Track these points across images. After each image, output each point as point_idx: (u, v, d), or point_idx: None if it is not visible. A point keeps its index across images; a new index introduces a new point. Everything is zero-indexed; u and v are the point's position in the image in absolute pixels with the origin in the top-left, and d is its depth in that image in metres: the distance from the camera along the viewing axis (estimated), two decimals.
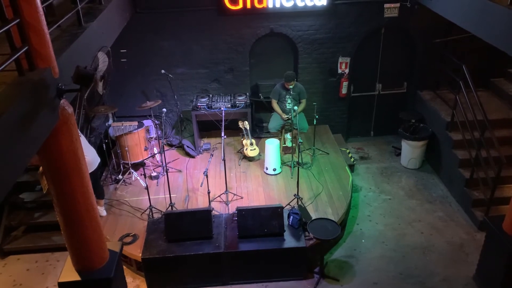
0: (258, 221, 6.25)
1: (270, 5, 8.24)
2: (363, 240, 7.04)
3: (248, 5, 8.20)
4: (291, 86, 7.84)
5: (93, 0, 6.10)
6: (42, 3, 3.71)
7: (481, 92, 8.24)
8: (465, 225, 7.28)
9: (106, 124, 8.45)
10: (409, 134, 8.49)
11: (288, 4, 8.28)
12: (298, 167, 7.24)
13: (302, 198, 7.07)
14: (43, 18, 3.61)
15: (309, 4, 8.30)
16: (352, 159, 8.73)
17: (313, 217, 6.69)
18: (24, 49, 3.45)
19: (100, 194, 6.97)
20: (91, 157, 6.50)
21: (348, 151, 8.93)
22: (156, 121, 8.20)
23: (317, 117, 8.17)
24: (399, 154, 9.05)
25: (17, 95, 3.17)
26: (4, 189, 2.90)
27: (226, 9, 8.23)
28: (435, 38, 8.66)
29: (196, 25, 8.47)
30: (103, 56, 4.51)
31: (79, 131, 4.91)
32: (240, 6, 8.20)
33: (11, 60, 3.23)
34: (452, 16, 6.71)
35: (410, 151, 8.65)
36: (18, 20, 3.38)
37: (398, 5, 8.43)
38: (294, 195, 6.99)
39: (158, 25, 8.42)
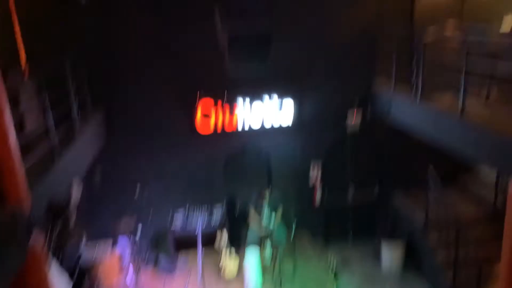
0: None
1: (240, 129, 8.76)
2: None
3: (219, 131, 8.67)
4: (267, 197, 7.92)
5: (67, 132, 6.23)
6: (17, 140, 3.79)
7: (450, 189, 8.49)
8: None
9: (80, 250, 8.14)
10: (387, 237, 8.48)
11: (257, 127, 8.81)
12: (281, 282, 7.02)
13: None
14: (17, 155, 3.68)
15: (276, 125, 8.86)
16: (334, 267, 8.53)
17: None
18: None
19: None
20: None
21: (329, 258, 8.76)
22: (131, 238, 7.97)
23: (295, 226, 8.15)
24: (380, 258, 8.94)
25: None
26: None
27: (198, 135, 8.63)
28: (401, 140, 9.04)
29: (171, 144, 8.73)
30: (77, 185, 4.53)
31: (51, 259, 4.72)
32: (211, 131, 8.64)
33: None
34: (410, 128, 7.17)
35: (390, 253, 8.57)
36: None
37: (359, 120, 8.96)
38: None
39: (132, 145, 8.61)
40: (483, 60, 5.93)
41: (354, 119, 8.90)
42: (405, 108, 7.68)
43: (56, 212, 3.82)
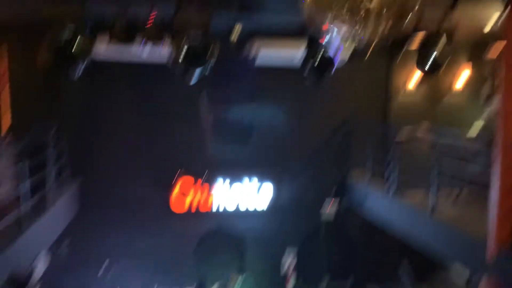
0: None
1: (214, 209, 8.78)
2: None
3: (193, 210, 8.66)
4: (237, 282, 7.67)
5: (39, 201, 6.03)
6: None
7: (423, 287, 8.39)
8: None
9: None
10: None
11: (231, 208, 8.83)
12: None
13: None
14: None
15: (251, 209, 8.91)
16: None
17: None
18: None
19: None
20: None
21: None
22: None
23: None
24: None
25: None
26: None
27: (172, 213, 8.59)
28: (374, 234, 9.07)
29: (143, 220, 8.55)
30: (43, 259, 4.35)
31: None
32: (185, 209, 8.62)
33: None
34: (383, 222, 7.27)
35: None
36: None
37: (334, 210, 9.03)
38: None
39: (104, 219, 8.36)
40: (453, 162, 6.22)
41: (329, 208, 8.98)
42: (378, 202, 7.84)
43: (17, 285, 3.63)
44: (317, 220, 9.15)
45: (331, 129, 9.26)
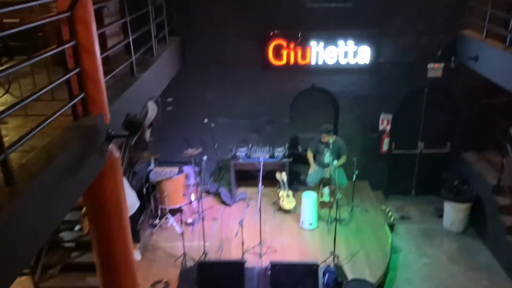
0: (292, 278, 6.09)
1: (313, 62, 8.46)
2: None
3: (292, 61, 8.45)
4: (331, 141, 7.83)
5: (146, 52, 6.46)
6: (100, 54, 3.98)
7: None
8: None
9: (148, 169, 8.67)
10: (453, 196, 8.20)
11: (331, 62, 8.47)
12: (336, 223, 7.08)
13: (338, 256, 6.87)
14: (100, 68, 3.87)
15: (352, 62, 8.45)
16: (392, 219, 8.47)
17: (350, 277, 6.45)
18: (81, 96, 3.67)
19: (136, 238, 7.05)
20: (131, 200, 6.63)
21: (388, 209, 8.69)
22: (195, 168, 8.34)
23: (356, 172, 8.05)
24: (441, 216, 8.70)
25: (70, 139, 3.35)
26: (50, 229, 3.01)
27: (270, 64, 8.51)
28: (480, 99, 8.53)
29: (240, 78, 8.77)
30: (153, 105, 4.71)
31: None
32: (284, 61, 8.46)
33: (68, 106, 3.45)
34: (498, 78, 6.64)
35: (453, 213, 8.32)
36: (78, 70, 3.63)
37: (442, 65, 8.42)
38: (331, 253, 6.80)
39: (204, 77, 8.77)
40: None
41: (435, 67, 8.37)
42: (495, 57, 7.03)
43: (131, 127, 4.02)
44: (420, 83, 8.68)
45: None
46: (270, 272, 6.17)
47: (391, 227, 8.22)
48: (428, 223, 8.70)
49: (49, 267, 7.24)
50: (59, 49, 3.41)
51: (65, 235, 7.33)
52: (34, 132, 2.88)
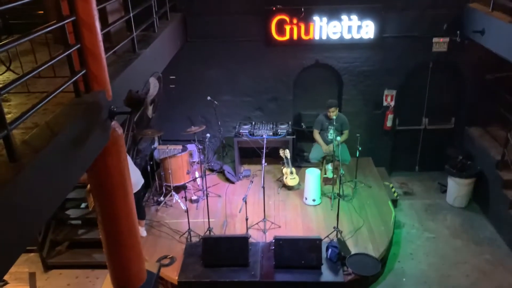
0: (296, 252, 6.16)
1: (317, 37, 8.35)
2: (404, 279, 6.77)
3: (295, 37, 8.35)
4: (334, 116, 7.82)
5: (147, 28, 6.41)
6: (101, 30, 3.94)
7: None
8: None
9: (152, 147, 8.71)
10: (456, 171, 8.20)
11: (335, 37, 8.36)
12: (339, 199, 7.11)
13: (341, 231, 6.93)
14: (101, 44, 3.83)
15: (356, 37, 8.34)
16: (396, 194, 8.50)
17: (353, 252, 6.52)
18: (82, 72, 3.66)
19: (141, 215, 7.13)
20: (135, 178, 6.68)
21: (391, 185, 8.71)
22: (199, 146, 8.36)
23: (360, 149, 8.04)
24: (445, 191, 8.72)
25: (73, 115, 3.36)
26: (55, 204, 3.04)
27: (273, 40, 8.41)
28: (486, 74, 8.43)
29: (243, 55, 8.69)
30: (155, 82, 4.69)
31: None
32: (287, 37, 8.36)
33: (70, 82, 3.44)
34: (504, 52, 6.55)
35: (457, 188, 8.33)
36: (79, 46, 3.60)
37: (447, 39, 8.30)
38: (334, 228, 6.86)
39: (206, 54, 8.71)
40: None
41: (441, 42, 8.25)
42: (502, 30, 6.90)
43: (134, 103, 4.01)
44: (425, 58, 8.57)
45: None
46: (273, 247, 6.24)
47: (395, 202, 8.26)
48: (432, 199, 8.73)
49: (57, 244, 7.38)
50: (59, 24, 3.38)
51: (72, 212, 7.44)
52: (36, 108, 2.88)
